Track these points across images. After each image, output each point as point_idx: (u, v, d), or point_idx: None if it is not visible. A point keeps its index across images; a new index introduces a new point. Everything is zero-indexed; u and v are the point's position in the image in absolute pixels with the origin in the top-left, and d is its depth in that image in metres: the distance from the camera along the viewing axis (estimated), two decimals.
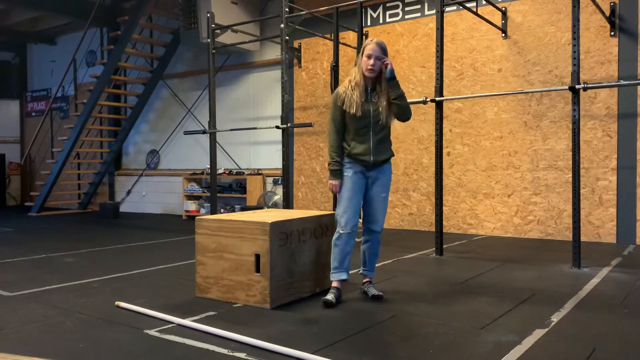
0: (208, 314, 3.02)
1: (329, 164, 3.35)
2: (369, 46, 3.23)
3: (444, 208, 5.90)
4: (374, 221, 3.37)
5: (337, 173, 3.32)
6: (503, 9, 6.21)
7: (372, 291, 3.37)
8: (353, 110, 3.23)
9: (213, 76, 6.63)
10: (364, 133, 3.27)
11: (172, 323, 2.85)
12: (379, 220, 3.37)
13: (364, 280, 3.48)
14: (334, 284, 3.30)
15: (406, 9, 6.99)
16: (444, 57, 5.21)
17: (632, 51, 5.50)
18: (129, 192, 10.17)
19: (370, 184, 3.34)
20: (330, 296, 3.20)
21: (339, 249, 3.30)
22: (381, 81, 3.27)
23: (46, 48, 11.65)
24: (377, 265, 4.48)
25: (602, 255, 4.85)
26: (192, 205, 8.82)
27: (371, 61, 3.21)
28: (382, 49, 3.24)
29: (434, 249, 4.98)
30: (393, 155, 3.40)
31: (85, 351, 2.44)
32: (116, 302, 3.23)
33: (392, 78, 3.25)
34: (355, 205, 3.30)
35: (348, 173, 3.31)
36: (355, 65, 3.35)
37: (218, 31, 6.79)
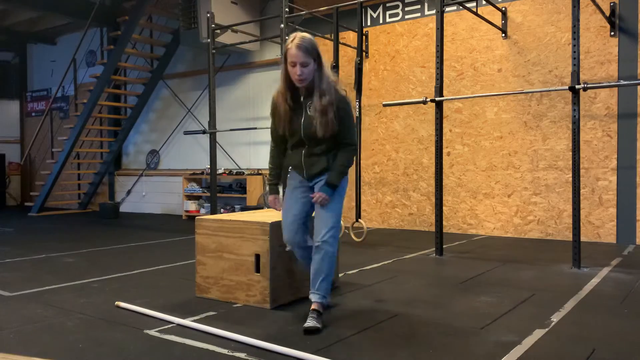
0: (208, 314, 3.02)
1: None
2: (290, 51, 2.66)
3: (444, 208, 5.91)
4: (315, 232, 2.84)
5: (272, 188, 3.05)
6: (503, 9, 6.21)
7: (307, 323, 2.69)
8: (280, 131, 2.87)
9: (213, 76, 6.63)
10: (297, 146, 2.90)
11: (172, 323, 2.85)
12: (320, 231, 2.80)
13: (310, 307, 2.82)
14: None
15: (406, 9, 6.99)
16: (444, 57, 5.20)
17: (632, 51, 5.50)
18: (129, 192, 10.17)
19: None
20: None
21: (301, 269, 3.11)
22: (314, 88, 2.74)
23: (46, 48, 11.65)
24: (377, 265, 4.51)
25: (602, 255, 4.85)
26: (192, 205, 8.82)
27: (297, 69, 2.66)
28: (307, 50, 2.66)
29: (434, 249, 4.98)
30: (326, 167, 2.86)
31: (85, 351, 2.44)
32: (116, 302, 3.23)
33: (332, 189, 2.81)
34: (290, 219, 2.91)
35: (288, 186, 3.00)
36: (281, 73, 2.81)
37: (218, 31, 6.79)
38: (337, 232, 2.85)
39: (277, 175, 3.04)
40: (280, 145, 3.00)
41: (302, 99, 2.81)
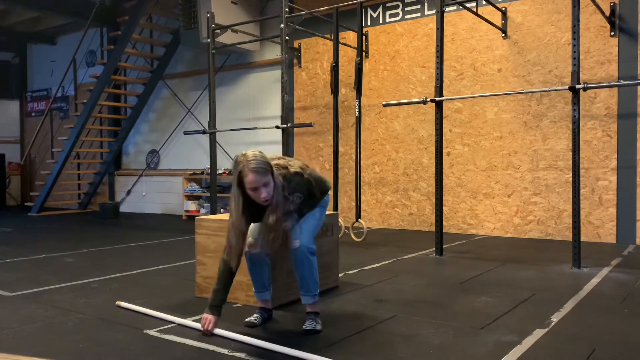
0: None
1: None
2: (247, 178, 2.48)
3: (444, 208, 5.91)
4: (292, 235, 2.73)
5: (214, 309, 2.68)
6: (503, 9, 6.21)
7: (305, 325, 2.72)
8: (233, 263, 2.67)
9: (213, 76, 6.63)
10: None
11: (172, 323, 2.85)
12: (296, 233, 2.72)
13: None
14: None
15: (406, 9, 6.99)
16: (444, 57, 5.20)
17: (632, 51, 5.50)
18: (129, 192, 10.17)
19: None
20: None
21: None
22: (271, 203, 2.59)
23: (46, 48, 11.64)
24: (377, 265, 4.52)
25: (602, 255, 4.85)
26: (192, 205, 8.82)
27: (262, 193, 2.51)
28: (264, 170, 2.50)
29: (434, 249, 4.98)
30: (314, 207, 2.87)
31: (85, 351, 2.44)
32: (117, 302, 3.23)
33: None
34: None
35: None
36: (233, 196, 2.62)
37: (218, 31, 6.78)
38: (313, 237, 2.79)
39: (222, 302, 2.69)
40: (235, 261, 2.66)
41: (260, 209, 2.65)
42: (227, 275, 2.69)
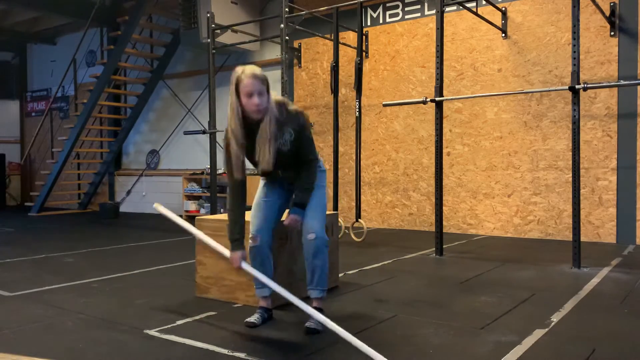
0: (208, 314, 3.02)
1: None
2: (245, 81, 2.52)
3: (444, 208, 5.90)
4: (304, 228, 2.79)
5: (236, 244, 2.74)
6: (503, 9, 6.21)
7: (309, 323, 2.70)
8: (238, 176, 2.69)
9: (213, 76, 6.63)
10: (268, 176, 2.90)
11: (172, 323, 2.85)
12: (310, 224, 2.76)
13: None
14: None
15: (406, 9, 6.99)
16: (444, 57, 5.20)
17: (632, 51, 5.50)
18: (129, 192, 10.17)
19: None
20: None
21: None
22: (265, 117, 2.59)
23: (46, 48, 11.64)
24: (377, 265, 4.52)
25: (602, 255, 4.85)
26: (192, 205, 8.82)
27: (255, 100, 2.52)
28: (262, 79, 2.56)
29: (434, 249, 4.98)
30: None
31: (85, 351, 2.44)
32: (155, 204, 3.20)
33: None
34: (262, 219, 2.88)
35: (259, 194, 2.95)
36: (230, 105, 2.60)
37: (218, 31, 6.78)
38: (323, 224, 2.80)
39: (240, 229, 2.75)
40: (240, 189, 2.74)
41: (254, 132, 2.64)
42: (239, 189, 2.72)
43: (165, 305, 3.21)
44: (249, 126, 2.63)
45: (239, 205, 2.76)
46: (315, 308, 2.74)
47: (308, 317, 2.73)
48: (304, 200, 2.77)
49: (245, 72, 2.55)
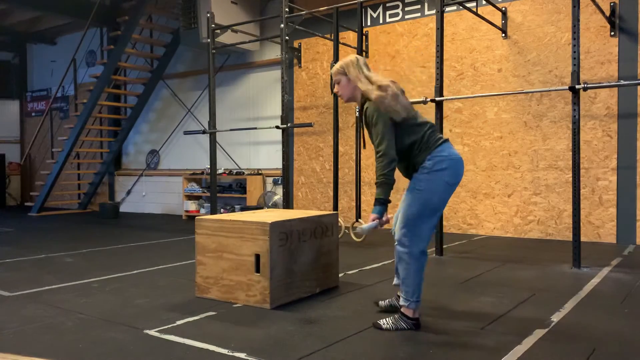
0: (208, 314, 3.02)
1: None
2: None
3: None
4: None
5: (384, 207, 2.83)
6: (503, 9, 6.21)
7: (383, 320, 2.74)
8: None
9: (213, 76, 6.63)
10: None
11: (172, 323, 2.85)
12: (397, 231, 2.81)
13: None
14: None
15: (406, 9, 6.99)
16: (444, 57, 5.20)
17: (632, 51, 5.50)
18: (129, 192, 10.17)
19: None
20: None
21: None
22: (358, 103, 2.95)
23: (46, 48, 11.65)
24: (377, 265, 4.51)
25: (602, 255, 4.85)
26: (192, 205, 8.82)
27: (335, 87, 2.96)
28: (336, 71, 2.90)
29: (434, 249, 4.98)
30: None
31: (85, 351, 2.44)
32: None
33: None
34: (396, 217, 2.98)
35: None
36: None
37: (218, 31, 6.78)
38: (409, 232, 2.71)
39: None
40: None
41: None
42: (394, 167, 2.85)
43: (165, 305, 3.21)
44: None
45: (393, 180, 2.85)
46: (400, 312, 2.75)
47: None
48: (376, 196, 2.79)
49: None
